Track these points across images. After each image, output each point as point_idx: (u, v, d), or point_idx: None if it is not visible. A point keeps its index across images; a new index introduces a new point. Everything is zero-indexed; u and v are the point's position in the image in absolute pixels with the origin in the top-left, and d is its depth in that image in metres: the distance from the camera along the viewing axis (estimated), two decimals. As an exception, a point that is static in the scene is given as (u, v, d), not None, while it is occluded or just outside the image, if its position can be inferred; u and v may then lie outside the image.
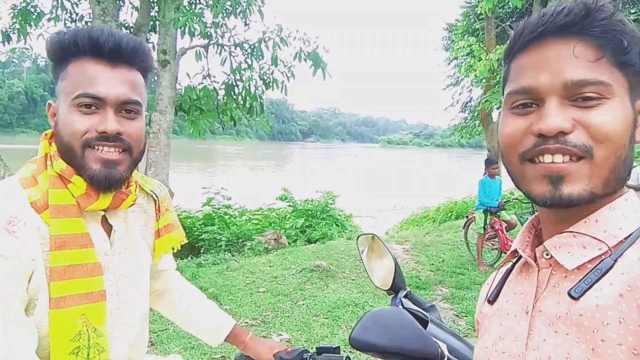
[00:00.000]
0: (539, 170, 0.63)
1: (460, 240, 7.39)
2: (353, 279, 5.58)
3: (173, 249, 1.23)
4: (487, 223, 6.29)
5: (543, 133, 0.61)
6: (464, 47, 10.93)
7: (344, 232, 9.70)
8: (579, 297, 0.59)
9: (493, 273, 0.82)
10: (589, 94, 0.60)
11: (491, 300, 0.76)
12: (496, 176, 6.41)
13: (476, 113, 15.50)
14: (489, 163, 6.47)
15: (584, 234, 0.63)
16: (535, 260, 0.69)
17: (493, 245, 6.58)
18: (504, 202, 6.33)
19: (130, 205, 1.05)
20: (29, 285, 0.88)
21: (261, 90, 7.78)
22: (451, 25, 17.22)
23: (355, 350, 0.88)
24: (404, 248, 7.43)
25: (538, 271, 0.68)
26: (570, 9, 0.61)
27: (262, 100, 7.91)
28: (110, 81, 0.93)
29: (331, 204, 10.48)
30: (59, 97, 0.97)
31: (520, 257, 0.73)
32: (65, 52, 0.94)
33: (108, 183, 0.95)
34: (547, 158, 0.62)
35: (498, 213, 6.29)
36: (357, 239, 1.31)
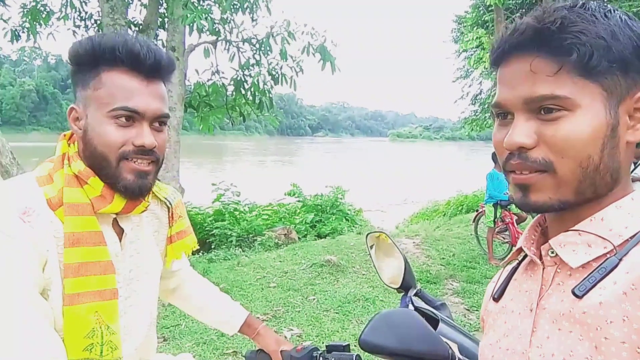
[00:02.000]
0: (512, 179, 0.67)
1: (471, 234, 7.35)
2: (363, 274, 5.58)
3: (186, 254, 1.27)
4: (498, 216, 6.25)
5: (506, 149, 0.65)
6: (473, 39, 10.85)
7: (353, 226, 9.70)
8: (583, 295, 0.59)
9: (499, 271, 0.83)
10: (547, 107, 0.62)
11: (496, 298, 0.77)
12: None
13: (486, 105, 15.38)
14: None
15: (589, 233, 0.63)
16: (540, 258, 0.69)
17: (504, 238, 6.54)
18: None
19: (142, 211, 1.07)
20: (43, 273, 0.90)
21: (270, 86, 7.78)
22: (460, 17, 17.04)
23: (365, 352, 0.88)
24: (414, 242, 7.41)
25: (543, 269, 0.68)
26: (524, 28, 0.63)
27: (271, 96, 7.91)
28: (148, 96, 0.96)
29: (341, 198, 10.48)
30: (87, 104, 0.97)
31: (526, 255, 0.74)
32: (98, 60, 0.95)
33: (140, 192, 1.00)
34: (517, 170, 0.65)
35: (508, 206, 6.25)
36: (366, 237, 1.31)
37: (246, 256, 6.59)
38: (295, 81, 7.63)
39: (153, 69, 0.96)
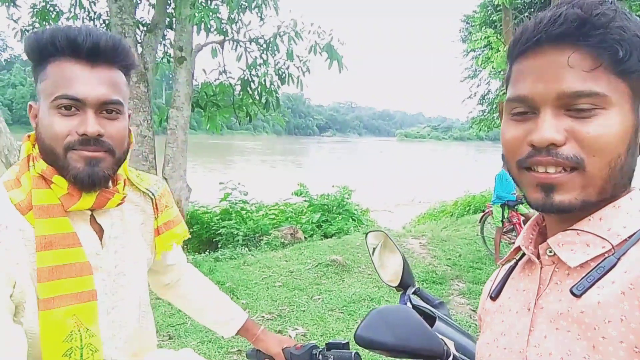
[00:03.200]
0: (532, 178, 0.64)
1: (477, 235, 7.32)
2: (369, 274, 5.58)
3: (177, 244, 1.23)
4: (505, 217, 6.23)
5: (535, 145, 0.62)
6: (481, 38, 10.78)
7: (360, 226, 9.69)
8: (581, 294, 0.59)
9: (496, 270, 0.82)
10: (583, 105, 0.59)
11: (493, 297, 0.77)
12: None
13: (494, 105, 15.30)
14: None
15: (588, 232, 0.63)
16: (538, 257, 0.69)
17: (510, 239, 6.52)
18: (522, 195, 6.25)
19: (118, 204, 1.03)
20: (13, 291, 0.86)
21: (277, 86, 7.79)
22: (468, 16, 16.95)
23: (360, 347, 0.88)
24: (420, 242, 7.40)
25: (541, 268, 0.68)
26: (565, 17, 0.60)
27: (277, 95, 7.92)
28: (90, 81, 0.91)
29: (347, 198, 10.47)
30: (39, 98, 0.95)
31: (524, 254, 0.74)
32: (44, 52, 0.92)
33: (92, 181, 0.93)
34: (540, 168, 0.63)
35: (516, 207, 6.22)
36: (365, 236, 1.31)
37: (252, 255, 6.62)
38: (302, 81, 7.63)
39: (93, 52, 0.91)
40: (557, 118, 0.61)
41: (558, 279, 0.65)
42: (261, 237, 8.11)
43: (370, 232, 1.31)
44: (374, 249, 1.30)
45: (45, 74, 0.92)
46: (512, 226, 6.37)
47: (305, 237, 8.52)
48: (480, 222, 7.07)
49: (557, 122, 0.61)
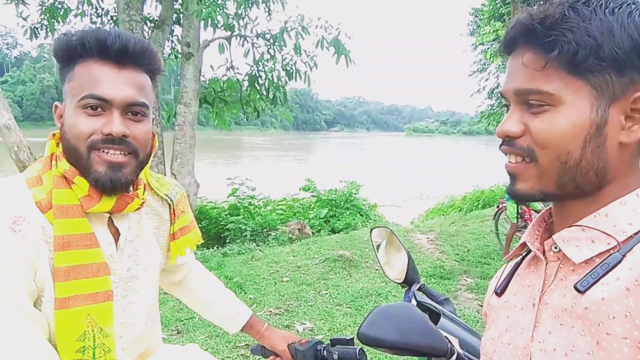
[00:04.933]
0: (505, 167, 0.70)
1: (490, 230, 7.28)
2: (376, 269, 5.57)
3: (191, 250, 1.25)
4: (519, 213, 6.19)
5: (497, 136, 0.69)
6: (490, 32, 10.72)
7: (368, 222, 9.69)
8: (585, 290, 0.59)
9: (502, 266, 0.82)
10: (532, 101, 0.64)
11: (499, 293, 0.77)
12: None
13: (503, 99, 15.18)
14: None
15: (593, 228, 0.63)
16: (543, 253, 0.69)
17: (522, 235, 6.47)
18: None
19: (137, 209, 1.04)
20: (35, 278, 0.89)
21: (284, 81, 7.79)
22: (477, 10, 16.80)
23: (364, 345, 0.88)
24: (428, 238, 7.37)
25: (546, 264, 0.68)
26: (513, 24, 0.66)
27: (285, 91, 7.92)
28: (117, 83, 0.92)
29: (355, 193, 10.47)
30: (65, 98, 0.96)
31: (530, 250, 0.74)
32: (72, 53, 0.93)
33: (113, 186, 0.94)
34: (507, 157, 0.69)
35: (529, 203, 6.17)
36: (370, 232, 1.31)
37: (260, 250, 6.64)
38: (309, 76, 7.63)
39: (121, 54, 0.92)
40: (520, 112, 0.66)
41: (563, 275, 0.65)
42: (269, 232, 8.14)
43: (374, 228, 1.30)
44: (379, 245, 1.29)
45: (72, 74, 0.94)
46: (523, 222, 6.33)
47: (312, 233, 8.53)
48: (494, 217, 7.03)
49: (520, 115, 0.66)
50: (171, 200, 1.16)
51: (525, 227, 6.37)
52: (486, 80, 17.73)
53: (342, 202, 10.04)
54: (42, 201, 0.93)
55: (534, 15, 0.64)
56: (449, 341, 0.88)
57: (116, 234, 1.04)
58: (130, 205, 1.01)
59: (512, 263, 0.79)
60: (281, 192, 11.18)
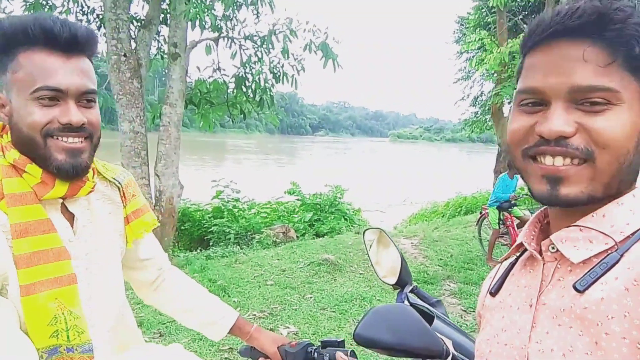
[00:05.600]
0: (538, 169, 0.64)
1: (474, 236, 7.36)
2: (361, 273, 5.58)
3: (146, 232, 1.23)
4: (501, 219, 6.27)
5: (544, 136, 0.62)
6: (475, 40, 10.81)
7: (352, 226, 9.71)
8: (584, 290, 0.59)
9: (496, 267, 0.82)
10: (596, 99, 0.59)
11: (493, 293, 0.76)
12: (515, 175, 6.39)
13: (487, 107, 15.34)
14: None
15: (591, 228, 0.63)
16: (540, 254, 0.69)
17: (505, 241, 6.56)
18: (516, 197, 6.31)
19: (89, 192, 1.05)
20: None
21: (271, 84, 7.77)
22: (463, 18, 17.01)
23: (359, 346, 0.88)
24: (412, 243, 7.41)
25: (543, 265, 0.68)
26: (583, 11, 0.60)
27: (272, 94, 7.90)
28: (69, 72, 0.93)
29: (340, 198, 10.50)
30: (9, 89, 0.94)
31: (524, 251, 0.73)
32: (12, 41, 0.91)
33: (75, 172, 0.97)
34: (548, 159, 0.63)
35: (510, 209, 6.26)
36: (363, 233, 1.31)
37: (244, 254, 6.60)
38: (297, 80, 7.62)
39: (70, 43, 0.93)
40: (567, 111, 0.61)
41: (560, 275, 0.65)
42: (253, 236, 8.10)
43: (367, 229, 1.30)
44: (371, 246, 1.29)
45: (17, 64, 0.92)
46: (506, 228, 6.41)
47: (297, 236, 8.52)
48: (477, 224, 7.11)
49: (568, 115, 0.61)
50: (119, 183, 1.17)
51: (507, 233, 6.45)
52: (470, 88, 17.91)
53: (327, 206, 10.05)
54: None
55: (608, 5, 0.59)
56: (444, 343, 0.88)
57: (70, 219, 1.04)
58: (83, 189, 1.02)
59: (506, 263, 0.79)
60: (266, 195, 11.14)
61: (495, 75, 10.86)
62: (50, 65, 0.91)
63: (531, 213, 6.39)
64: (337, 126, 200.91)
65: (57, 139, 0.94)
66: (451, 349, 0.88)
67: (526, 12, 13.41)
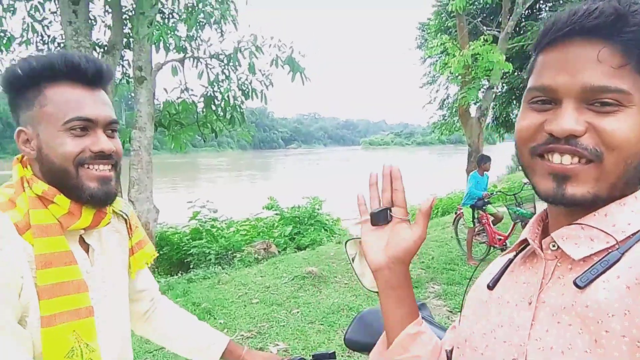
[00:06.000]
0: (546, 167, 0.64)
1: (451, 237, 7.45)
2: (345, 283, 5.58)
3: (147, 263, 1.26)
4: (475, 217, 6.38)
5: (554, 134, 0.62)
6: (437, 45, 11.04)
7: (332, 236, 9.71)
8: (585, 286, 0.59)
9: (493, 261, 0.82)
10: (607, 100, 0.60)
11: (491, 287, 0.76)
12: (485, 172, 6.53)
13: (454, 109, 15.66)
14: (484, 161, 6.55)
15: (592, 227, 0.63)
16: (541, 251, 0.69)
17: (482, 239, 6.67)
18: (489, 195, 6.44)
19: (107, 224, 1.07)
20: (19, 299, 0.89)
21: (240, 101, 7.77)
22: (424, 24, 17.39)
23: (350, 350, 0.89)
24: (393, 248, 7.45)
25: (545, 262, 0.68)
26: (601, 11, 0.60)
27: (242, 110, 7.90)
28: (96, 104, 0.99)
29: (318, 209, 10.49)
30: (36, 122, 0.97)
31: (524, 247, 0.74)
32: (38, 78, 0.96)
33: (107, 198, 1.01)
34: (556, 158, 0.63)
35: (484, 207, 6.38)
36: (345, 244, 1.32)
37: (226, 273, 6.52)
38: (266, 95, 7.64)
39: (95, 77, 0.99)
40: (578, 110, 0.61)
41: (560, 273, 0.65)
42: (234, 254, 8.02)
43: (348, 240, 1.31)
44: (353, 257, 1.30)
45: (44, 98, 0.96)
46: (482, 227, 6.52)
47: (279, 251, 8.46)
48: (453, 224, 7.21)
49: (579, 114, 0.61)
50: (126, 215, 1.19)
51: (483, 230, 6.56)
52: (437, 91, 18.29)
53: (306, 219, 10.03)
54: (19, 223, 0.94)
55: (624, 6, 0.59)
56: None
57: (86, 251, 1.06)
58: (103, 221, 1.05)
59: (504, 259, 0.78)
60: (243, 212, 11.06)
61: (459, 77, 11.10)
62: (79, 97, 0.97)
63: (509, 210, 6.52)
64: (309, 137, 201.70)
65: (89, 167, 0.98)
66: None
67: (485, 15, 13.80)
